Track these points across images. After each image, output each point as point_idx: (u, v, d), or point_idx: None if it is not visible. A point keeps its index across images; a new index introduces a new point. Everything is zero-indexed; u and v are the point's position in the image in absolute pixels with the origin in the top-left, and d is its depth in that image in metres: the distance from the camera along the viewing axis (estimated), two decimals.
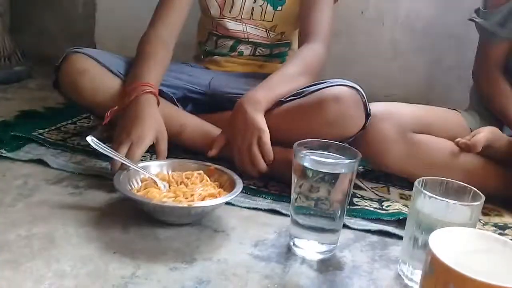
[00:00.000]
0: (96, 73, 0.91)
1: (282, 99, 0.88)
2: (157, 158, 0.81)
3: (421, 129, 0.91)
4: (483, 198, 0.60)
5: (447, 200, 0.59)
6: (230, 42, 1.10)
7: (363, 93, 0.84)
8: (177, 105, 0.97)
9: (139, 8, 1.52)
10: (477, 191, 0.61)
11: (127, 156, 0.76)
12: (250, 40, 1.09)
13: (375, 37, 1.44)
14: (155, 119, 0.83)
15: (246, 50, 1.10)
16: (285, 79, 0.90)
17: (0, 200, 0.71)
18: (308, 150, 0.67)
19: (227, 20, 1.07)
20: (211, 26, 1.10)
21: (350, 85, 0.83)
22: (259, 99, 0.85)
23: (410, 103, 1.26)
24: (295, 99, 0.87)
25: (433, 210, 0.59)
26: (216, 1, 1.06)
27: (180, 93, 1.01)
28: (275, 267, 0.62)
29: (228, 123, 0.87)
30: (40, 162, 0.84)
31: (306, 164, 0.64)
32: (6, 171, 0.80)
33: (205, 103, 1.02)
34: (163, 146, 0.82)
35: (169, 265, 0.60)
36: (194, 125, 0.93)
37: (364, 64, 1.45)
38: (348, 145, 0.70)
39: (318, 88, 0.85)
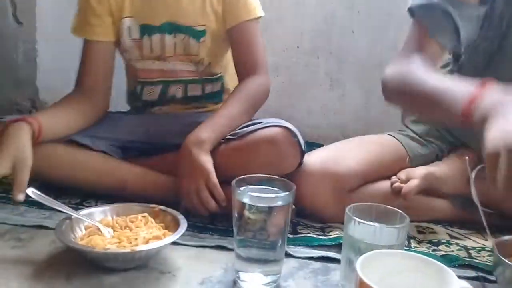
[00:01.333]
0: None
1: (221, 140, 0.90)
2: (14, 188, 0.75)
3: (360, 182, 0.94)
4: (408, 219, 0.65)
5: (374, 224, 0.63)
6: (158, 88, 1.07)
7: (296, 132, 0.88)
8: (115, 156, 0.96)
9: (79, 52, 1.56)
10: (403, 213, 0.66)
11: None
12: (179, 78, 1.06)
13: (312, 69, 1.52)
14: (16, 147, 0.78)
15: (177, 92, 1.07)
16: (230, 119, 0.92)
17: None
18: (247, 186, 0.70)
19: (150, 61, 1.04)
20: (134, 73, 1.07)
21: (284, 125, 0.87)
22: (204, 139, 0.86)
23: (348, 128, 1.34)
24: (232, 139, 0.90)
25: (363, 235, 0.64)
26: (134, 43, 1.02)
27: (119, 143, 1.00)
28: None
29: (176, 165, 0.88)
30: None
31: (244, 199, 0.67)
32: None
33: (147, 149, 1.01)
34: (22, 177, 0.76)
35: None
36: (136, 178, 0.93)
37: (303, 95, 1.53)
38: (284, 178, 0.74)
39: (254, 129, 0.89)
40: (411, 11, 0.85)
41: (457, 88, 0.70)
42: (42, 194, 0.75)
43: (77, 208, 0.83)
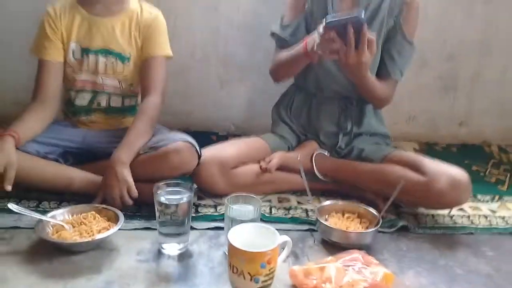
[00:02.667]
0: None
1: (140, 152, 1.27)
2: (4, 184, 1.14)
3: (237, 163, 1.37)
4: (260, 201, 1.09)
5: (240, 207, 1.07)
6: (88, 95, 1.39)
7: (195, 144, 1.28)
8: (60, 162, 1.31)
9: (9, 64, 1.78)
10: (257, 197, 1.11)
11: None
12: (105, 90, 1.38)
13: (204, 72, 1.90)
14: (6, 154, 1.15)
15: (102, 101, 1.39)
16: (138, 136, 1.27)
17: None
18: (164, 189, 1.10)
19: (86, 74, 1.36)
20: (73, 83, 1.38)
21: (187, 139, 1.27)
22: (123, 159, 1.21)
23: (235, 123, 1.75)
24: (149, 151, 1.27)
25: (235, 213, 1.07)
26: (75, 59, 1.35)
27: (60, 149, 1.34)
28: (152, 264, 1.05)
29: (104, 178, 1.22)
30: None
31: (161, 199, 1.07)
32: None
33: (83, 156, 1.36)
34: (10, 174, 1.14)
35: (86, 277, 0.99)
36: (80, 177, 1.28)
37: (199, 95, 1.91)
38: (188, 181, 1.14)
39: (164, 143, 1.26)
40: (272, 35, 1.47)
41: (294, 48, 1.36)
42: (20, 207, 1.09)
43: (40, 209, 1.17)
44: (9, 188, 1.15)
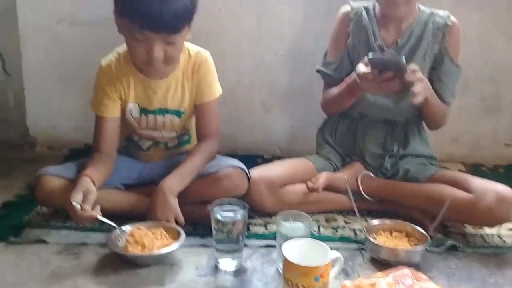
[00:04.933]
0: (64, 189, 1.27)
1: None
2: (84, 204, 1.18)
3: (284, 182, 1.43)
4: (310, 218, 1.15)
5: (291, 223, 1.13)
6: (148, 142, 1.45)
7: (245, 168, 1.35)
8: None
9: (68, 94, 1.93)
10: (307, 215, 1.16)
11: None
12: (164, 140, 1.45)
13: (250, 99, 1.99)
14: (86, 187, 1.21)
15: (160, 145, 1.46)
16: (193, 170, 1.33)
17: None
18: (218, 206, 1.17)
19: (143, 129, 1.42)
20: (129, 131, 1.44)
21: (237, 165, 1.34)
22: (175, 187, 1.28)
23: (279, 146, 1.82)
24: (203, 176, 1.35)
25: (286, 230, 1.13)
26: (134, 119, 1.40)
27: (122, 182, 1.41)
28: (210, 279, 1.12)
29: (152, 202, 1.27)
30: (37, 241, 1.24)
31: (218, 217, 1.14)
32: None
33: (138, 185, 1.44)
34: (91, 197, 1.19)
35: None
36: (138, 203, 1.34)
37: (245, 120, 2.00)
38: (241, 200, 1.21)
39: (215, 169, 1.34)
40: (318, 71, 1.56)
41: (339, 86, 1.45)
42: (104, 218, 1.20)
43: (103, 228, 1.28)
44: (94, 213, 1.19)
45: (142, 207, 1.32)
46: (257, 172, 1.42)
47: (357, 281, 1.04)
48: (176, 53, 1.29)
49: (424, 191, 1.39)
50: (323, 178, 1.45)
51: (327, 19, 1.83)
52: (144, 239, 1.18)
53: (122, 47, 1.37)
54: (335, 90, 1.49)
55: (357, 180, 1.48)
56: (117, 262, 1.16)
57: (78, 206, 1.17)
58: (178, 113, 1.42)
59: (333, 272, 1.04)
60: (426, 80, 1.37)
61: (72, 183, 1.30)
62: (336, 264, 1.05)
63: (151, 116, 1.40)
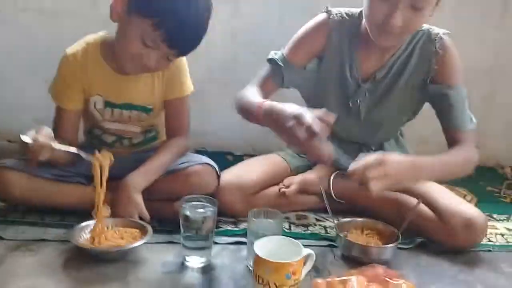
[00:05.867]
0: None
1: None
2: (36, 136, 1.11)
3: (259, 189, 1.39)
4: (282, 216, 1.12)
5: (262, 220, 1.10)
6: (111, 137, 1.37)
7: (215, 166, 1.32)
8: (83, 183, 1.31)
9: (31, 86, 1.84)
10: (279, 212, 1.13)
11: None
12: (128, 135, 1.38)
13: (221, 94, 1.95)
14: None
15: (124, 141, 1.39)
16: (160, 166, 1.28)
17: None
18: (187, 202, 1.13)
19: (109, 122, 1.34)
20: (91, 124, 1.37)
21: (206, 162, 1.31)
22: (139, 184, 1.23)
23: (250, 143, 1.78)
24: (171, 172, 1.30)
25: (258, 227, 1.09)
26: (97, 111, 1.32)
27: (85, 175, 1.31)
28: (176, 275, 1.07)
29: (115, 199, 1.21)
30: None
31: (187, 213, 1.10)
32: None
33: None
34: (44, 131, 1.12)
35: (113, 286, 1.01)
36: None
37: (215, 116, 1.96)
38: (210, 197, 1.17)
39: (184, 166, 1.30)
40: (270, 60, 1.39)
41: (254, 100, 1.21)
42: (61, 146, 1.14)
43: (66, 223, 1.22)
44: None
45: (90, 200, 1.21)
46: (230, 177, 1.36)
47: (329, 278, 1.01)
48: None
49: (391, 200, 1.36)
50: (295, 184, 1.42)
51: (303, 16, 1.82)
52: (107, 233, 1.13)
53: (92, 37, 1.31)
54: (251, 98, 1.24)
55: (329, 180, 1.46)
56: (79, 258, 1.10)
57: (29, 140, 1.09)
58: (145, 109, 1.35)
59: (305, 269, 1.01)
60: (394, 163, 1.10)
61: (32, 177, 1.24)
62: (308, 261, 1.02)
63: (116, 110, 1.33)
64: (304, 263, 1.01)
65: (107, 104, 1.32)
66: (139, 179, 1.25)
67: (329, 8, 1.36)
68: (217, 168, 1.33)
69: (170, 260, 1.13)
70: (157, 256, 1.15)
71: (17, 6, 1.81)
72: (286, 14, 1.86)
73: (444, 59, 1.28)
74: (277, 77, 1.36)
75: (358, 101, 1.36)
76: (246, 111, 1.25)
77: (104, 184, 1.14)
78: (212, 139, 1.97)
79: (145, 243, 1.13)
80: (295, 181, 1.43)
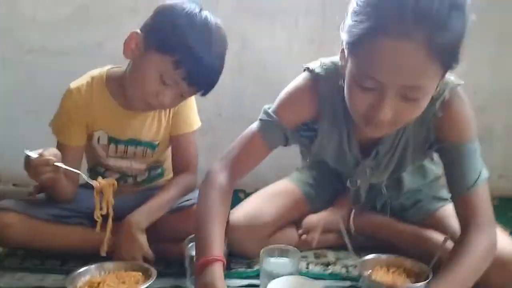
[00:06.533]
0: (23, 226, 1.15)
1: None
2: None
3: (274, 229, 1.28)
4: (298, 253, 1.02)
5: (277, 259, 1.00)
6: (116, 175, 1.29)
7: None
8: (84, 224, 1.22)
9: (36, 128, 1.79)
10: (296, 250, 1.03)
11: None
12: (132, 173, 1.31)
13: (230, 130, 1.88)
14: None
15: (129, 179, 1.32)
16: (164, 203, 1.21)
17: None
18: (193, 243, 1.03)
19: (111, 158, 1.27)
20: (94, 161, 1.30)
21: None
22: (142, 223, 1.16)
23: (263, 180, 1.69)
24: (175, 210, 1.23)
25: (272, 267, 0.99)
26: (101, 147, 1.26)
27: (82, 215, 1.23)
28: None
29: (117, 240, 1.14)
30: None
31: (193, 253, 1.00)
32: None
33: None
34: (50, 150, 1.08)
35: None
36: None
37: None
38: None
39: (191, 203, 1.22)
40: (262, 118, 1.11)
41: (203, 247, 0.92)
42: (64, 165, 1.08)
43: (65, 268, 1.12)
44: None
45: (91, 242, 1.17)
46: (241, 217, 1.25)
47: None
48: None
49: (416, 236, 1.25)
50: (317, 231, 1.32)
51: (311, 46, 1.77)
52: (106, 279, 1.03)
53: (97, 71, 1.27)
54: (208, 233, 0.96)
55: (350, 217, 1.35)
56: None
57: (34, 154, 1.04)
58: (151, 145, 1.29)
59: None
60: None
61: (30, 218, 1.16)
62: None
63: (121, 146, 1.27)
64: None
65: (112, 140, 1.26)
66: (142, 217, 1.17)
67: (311, 68, 1.08)
68: None
69: None
70: None
71: (23, 49, 1.80)
72: (294, 45, 1.82)
73: (450, 118, 1.02)
74: (269, 135, 1.10)
75: (358, 182, 1.22)
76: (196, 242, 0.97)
77: (111, 210, 1.10)
78: None
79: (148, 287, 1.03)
80: (315, 224, 1.33)
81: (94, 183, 1.10)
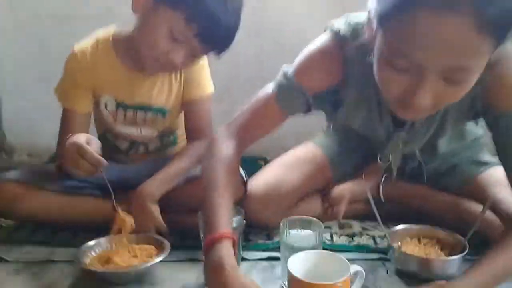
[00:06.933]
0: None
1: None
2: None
3: (297, 199, 1.19)
4: (321, 225, 0.93)
5: (299, 231, 0.91)
6: (125, 143, 1.25)
7: (241, 170, 1.13)
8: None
9: (49, 97, 1.75)
10: (319, 221, 0.94)
11: None
12: (143, 141, 1.25)
13: (250, 93, 1.79)
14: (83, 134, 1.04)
15: (140, 147, 1.26)
16: (177, 173, 1.13)
17: None
18: None
19: (119, 125, 1.21)
20: (102, 128, 1.25)
21: None
22: (154, 193, 1.08)
23: (285, 147, 1.59)
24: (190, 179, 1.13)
25: (293, 240, 0.91)
26: (109, 112, 1.19)
27: (95, 186, 1.16)
28: None
29: (129, 209, 1.07)
30: None
31: None
32: None
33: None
34: (95, 145, 1.01)
35: None
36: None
37: None
38: (235, 206, 1.00)
39: None
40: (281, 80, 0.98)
41: (209, 224, 0.82)
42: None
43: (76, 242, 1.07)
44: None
45: (103, 213, 1.10)
46: (262, 184, 1.16)
47: None
48: None
49: (452, 206, 1.14)
50: (343, 204, 1.23)
51: (332, 5, 1.65)
52: (117, 253, 0.97)
53: (103, 33, 1.18)
54: (215, 207, 0.86)
55: (378, 187, 1.24)
56: (87, 282, 0.95)
57: (87, 147, 0.98)
58: (162, 111, 1.22)
59: None
60: None
61: (39, 189, 1.11)
62: (356, 281, 0.83)
63: (129, 112, 1.20)
64: (352, 283, 0.82)
65: (119, 105, 1.19)
66: (155, 187, 1.10)
67: (336, 27, 0.94)
68: (243, 174, 1.15)
69: (191, 281, 0.97)
70: (176, 276, 0.98)
71: (33, 16, 1.73)
72: (315, 3, 1.69)
73: (491, 86, 0.88)
74: (287, 100, 0.98)
75: (390, 157, 1.08)
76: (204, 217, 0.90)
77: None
78: None
79: (162, 261, 0.97)
80: (342, 196, 1.23)
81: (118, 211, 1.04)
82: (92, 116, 1.23)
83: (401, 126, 1.00)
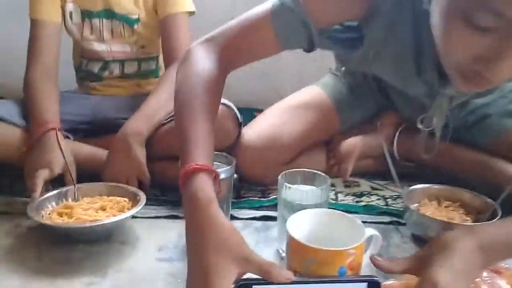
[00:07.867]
0: None
1: (162, 122, 0.99)
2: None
3: (299, 151, 1.05)
4: (327, 179, 0.77)
5: (301, 187, 0.75)
6: (98, 64, 1.16)
7: (234, 109, 0.97)
8: (69, 138, 1.03)
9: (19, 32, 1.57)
10: (325, 175, 0.78)
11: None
12: (115, 59, 1.16)
13: None
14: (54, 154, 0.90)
15: (115, 69, 1.17)
16: (161, 105, 0.99)
17: None
18: None
19: (90, 41, 1.14)
20: (80, 50, 1.18)
21: (224, 103, 0.96)
22: (141, 130, 0.94)
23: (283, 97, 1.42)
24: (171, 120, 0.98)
25: (293, 196, 0.75)
26: (75, 25, 1.12)
27: (66, 125, 1.04)
28: (177, 265, 0.75)
29: (109, 154, 0.95)
30: None
31: None
32: None
33: (93, 130, 1.11)
34: (72, 175, 0.90)
35: (85, 282, 0.70)
36: (84, 153, 1.00)
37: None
38: (225, 153, 0.84)
39: None
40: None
41: (183, 154, 0.63)
42: None
43: None
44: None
45: (96, 165, 0.97)
46: (257, 135, 1.00)
47: (404, 279, 0.66)
48: None
49: (480, 164, 1.00)
50: (351, 161, 1.06)
51: None
52: (81, 205, 0.81)
53: None
54: (190, 134, 0.66)
55: (393, 141, 1.08)
56: (42, 239, 0.79)
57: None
58: (128, 20, 1.12)
59: (365, 258, 0.66)
60: None
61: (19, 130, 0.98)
62: (369, 248, 0.68)
63: (95, 21, 1.12)
64: (365, 250, 0.67)
65: (84, 14, 1.12)
66: (141, 123, 0.96)
67: None
68: (236, 112, 0.99)
69: (171, 242, 0.81)
70: (154, 235, 0.83)
71: None
72: None
73: None
74: (285, 29, 0.74)
75: (434, 120, 0.88)
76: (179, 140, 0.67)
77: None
78: (235, 92, 1.63)
79: (137, 217, 0.82)
80: (351, 151, 1.06)
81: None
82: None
83: (447, 81, 0.77)
